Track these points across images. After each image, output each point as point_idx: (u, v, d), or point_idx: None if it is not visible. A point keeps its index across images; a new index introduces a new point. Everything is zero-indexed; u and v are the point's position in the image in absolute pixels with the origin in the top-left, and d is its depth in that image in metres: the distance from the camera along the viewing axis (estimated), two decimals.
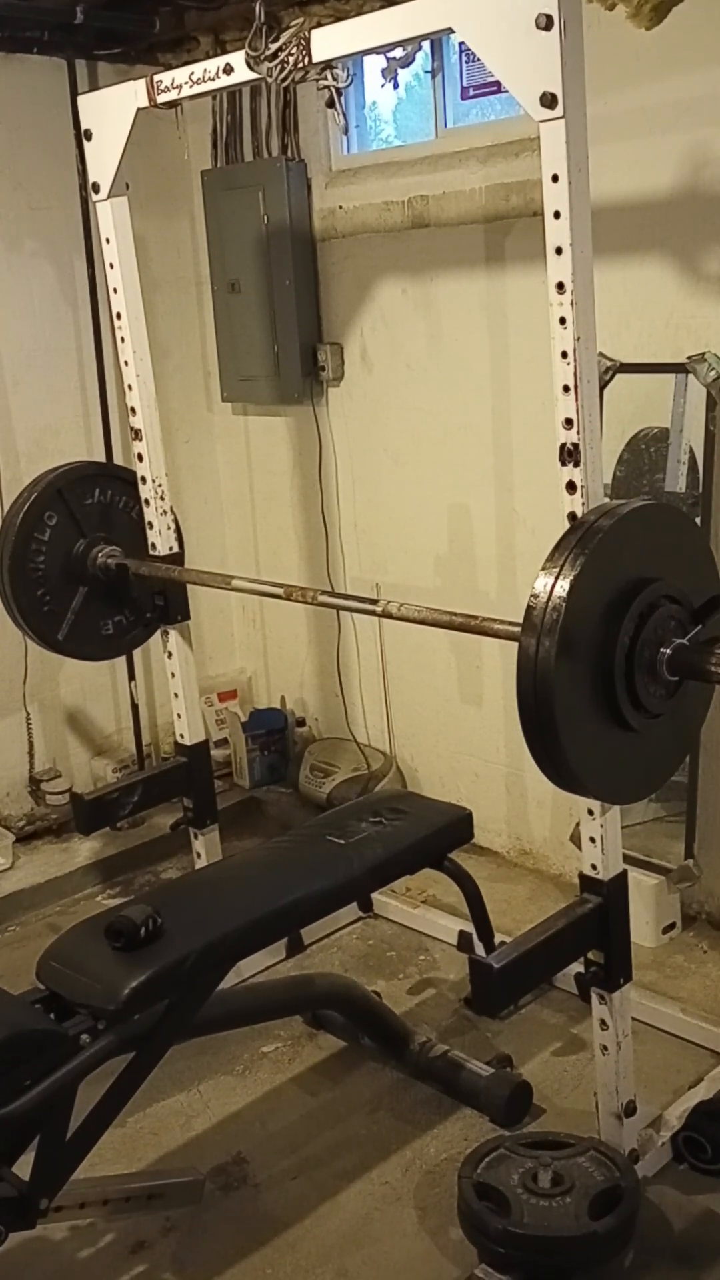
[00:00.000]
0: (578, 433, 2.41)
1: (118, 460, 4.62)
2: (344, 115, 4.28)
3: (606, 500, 2.46)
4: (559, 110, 2.27)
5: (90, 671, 4.73)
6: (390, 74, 2.92)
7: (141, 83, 3.16)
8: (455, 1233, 2.62)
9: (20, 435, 4.53)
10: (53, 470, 3.67)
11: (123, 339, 3.54)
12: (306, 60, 2.77)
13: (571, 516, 2.43)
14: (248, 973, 3.60)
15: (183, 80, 3.05)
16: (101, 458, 4.68)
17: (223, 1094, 3.26)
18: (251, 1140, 3.08)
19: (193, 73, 3.03)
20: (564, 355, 2.40)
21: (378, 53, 2.79)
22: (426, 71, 4.11)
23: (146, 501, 3.66)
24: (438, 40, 3.94)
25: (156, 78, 3.12)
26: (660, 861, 3.72)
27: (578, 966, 2.75)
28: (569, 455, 2.43)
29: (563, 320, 2.38)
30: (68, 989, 2.56)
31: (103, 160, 3.35)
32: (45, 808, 4.71)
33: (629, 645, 2.30)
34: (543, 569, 2.23)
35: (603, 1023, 2.72)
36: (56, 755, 4.81)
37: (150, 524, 3.67)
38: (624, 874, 2.71)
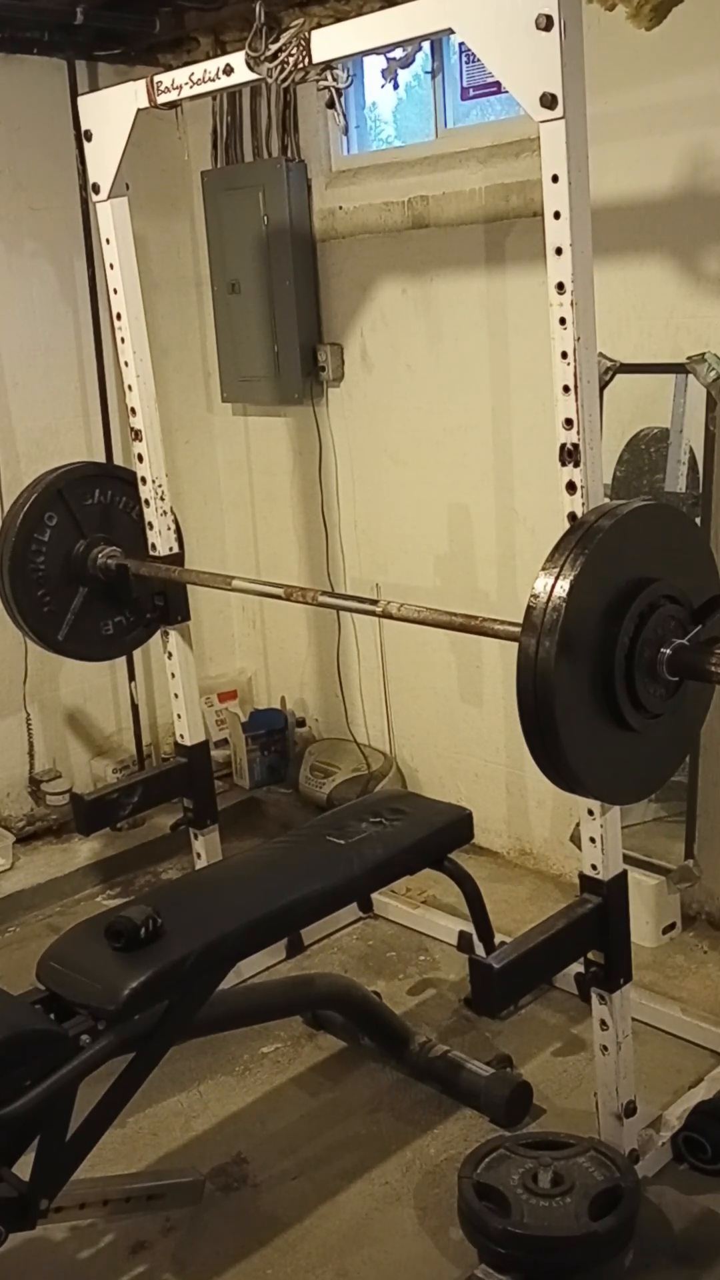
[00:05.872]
0: (578, 433, 2.41)
1: (118, 460, 4.61)
2: (344, 116, 4.32)
3: (606, 500, 2.46)
4: (559, 110, 2.27)
5: (90, 672, 4.73)
6: (390, 75, 2.91)
7: (141, 83, 3.16)
8: (455, 1233, 2.62)
9: (20, 435, 4.54)
10: (53, 471, 3.68)
11: (123, 339, 3.54)
12: (306, 61, 2.77)
13: (571, 516, 2.43)
14: (248, 973, 3.60)
15: (183, 81, 3.05)
16: (101, 458, 4.68)
17: (223, 1094, 3.26)
18: (251, 1140, 3.08)
19: (193, 73, 3.03)
20: (564, 355, 2.40)
21: (378, 53, 2.79)
22: (426, 72, 4.11)
23: (146, 502, 3.66)
24: (438, 40, 3.94)
25: (156, 78, 3.12)
26: (660, 861, 3.72)
27: (578, 966, 2.76)
28: (569, 455, 2.43)
29: (563, 320, 2.39)
30: (68, 989, 2.56)
31: (103, 161, 3.36)
32: (45, 808, 4.71)
33: (629, 645, 2.31)
34: (543, 569, 2.24)
35: (603, 1023, 2.72)
36: (56, 756, 4.81)
37: (150, 524, 3.68)
38: (624, 874, 2.71)
